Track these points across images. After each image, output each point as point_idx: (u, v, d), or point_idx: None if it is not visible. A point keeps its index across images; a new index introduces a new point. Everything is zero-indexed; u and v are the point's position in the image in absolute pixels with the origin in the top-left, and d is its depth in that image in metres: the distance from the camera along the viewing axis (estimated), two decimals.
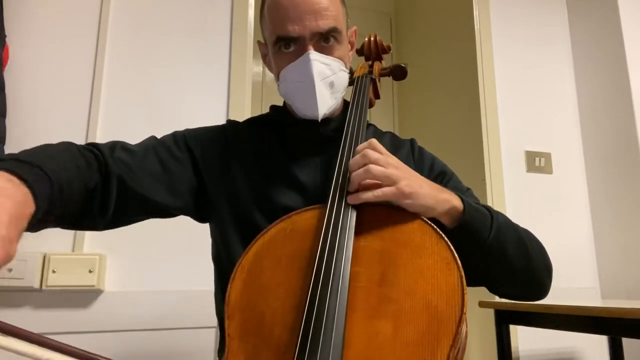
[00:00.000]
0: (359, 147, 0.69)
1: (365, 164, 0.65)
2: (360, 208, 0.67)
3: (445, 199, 0.67)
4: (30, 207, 0.51)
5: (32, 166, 0.55)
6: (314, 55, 0.76)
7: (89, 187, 0.67)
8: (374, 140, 0.69)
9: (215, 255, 0.86)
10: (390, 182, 0.64)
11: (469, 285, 0.57)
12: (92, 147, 0.71)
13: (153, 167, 0.76)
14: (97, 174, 0.69)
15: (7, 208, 0.46)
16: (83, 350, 0.43)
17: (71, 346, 0.42)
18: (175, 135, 0.84)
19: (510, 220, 0.75)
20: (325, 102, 0.79)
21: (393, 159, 0.67)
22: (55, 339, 0.42)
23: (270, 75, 2.41)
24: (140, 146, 0.79)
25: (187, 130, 0.87)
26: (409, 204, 0.64)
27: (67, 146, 0.68)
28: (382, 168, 0.65)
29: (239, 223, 0.78)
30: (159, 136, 0.84)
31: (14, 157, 0.57)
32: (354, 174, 0.65)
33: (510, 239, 0.71)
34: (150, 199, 0.75)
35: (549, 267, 0.76)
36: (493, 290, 0.76)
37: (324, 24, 0.76)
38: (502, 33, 2.10)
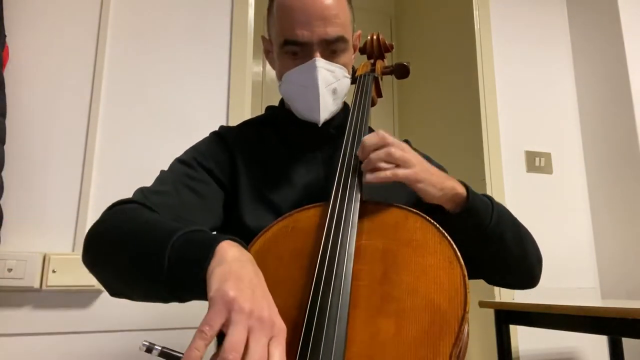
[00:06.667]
0: (367, 137, 0.69)
1: (383, 146, 0.67)
2: (363, 205, 0.67)
3: (451, 186, 0.70)
4: None
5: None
6: (320, 62, 0.77)
7: None
8: (382, 131, 0.70)
9: None
10: (408, 165, 0.67)
11: (468, 278, 0.58)
12: (136, 203, 0.68)
13: (191, 199, 0.75)
14: None
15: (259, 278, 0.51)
16: None
17: None
18: (185, 162, 0.80)
19: (508, 211, 0.78)
20: (328, 108, 0.80)
21: (406, 145, 0.70)
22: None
23: (270, 75, 2.35)
24: (164, 184, 0.75)
25: (189, 152, 0.84)
26: (421, 187, 0.67)
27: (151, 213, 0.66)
28: (401, 152, 0.67)
29: (247, 221, 0.78)
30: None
31: (188, 230, 0.56)
32: (373, 154, 0.66)
33: (509, 228, 0.75)
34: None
35: (539, 258, 0.81)
36: (489, 278, 0.79)
37: (333, 32, 0.76)
38: (502, 33, 2.10)
